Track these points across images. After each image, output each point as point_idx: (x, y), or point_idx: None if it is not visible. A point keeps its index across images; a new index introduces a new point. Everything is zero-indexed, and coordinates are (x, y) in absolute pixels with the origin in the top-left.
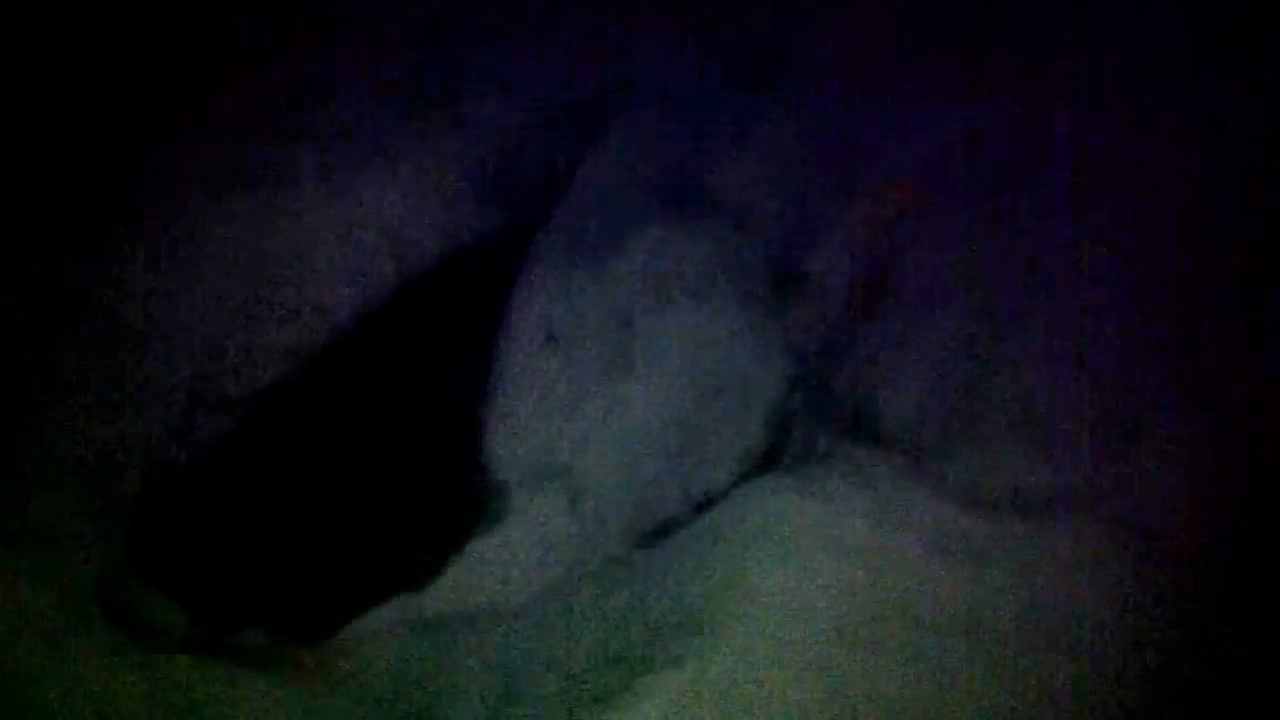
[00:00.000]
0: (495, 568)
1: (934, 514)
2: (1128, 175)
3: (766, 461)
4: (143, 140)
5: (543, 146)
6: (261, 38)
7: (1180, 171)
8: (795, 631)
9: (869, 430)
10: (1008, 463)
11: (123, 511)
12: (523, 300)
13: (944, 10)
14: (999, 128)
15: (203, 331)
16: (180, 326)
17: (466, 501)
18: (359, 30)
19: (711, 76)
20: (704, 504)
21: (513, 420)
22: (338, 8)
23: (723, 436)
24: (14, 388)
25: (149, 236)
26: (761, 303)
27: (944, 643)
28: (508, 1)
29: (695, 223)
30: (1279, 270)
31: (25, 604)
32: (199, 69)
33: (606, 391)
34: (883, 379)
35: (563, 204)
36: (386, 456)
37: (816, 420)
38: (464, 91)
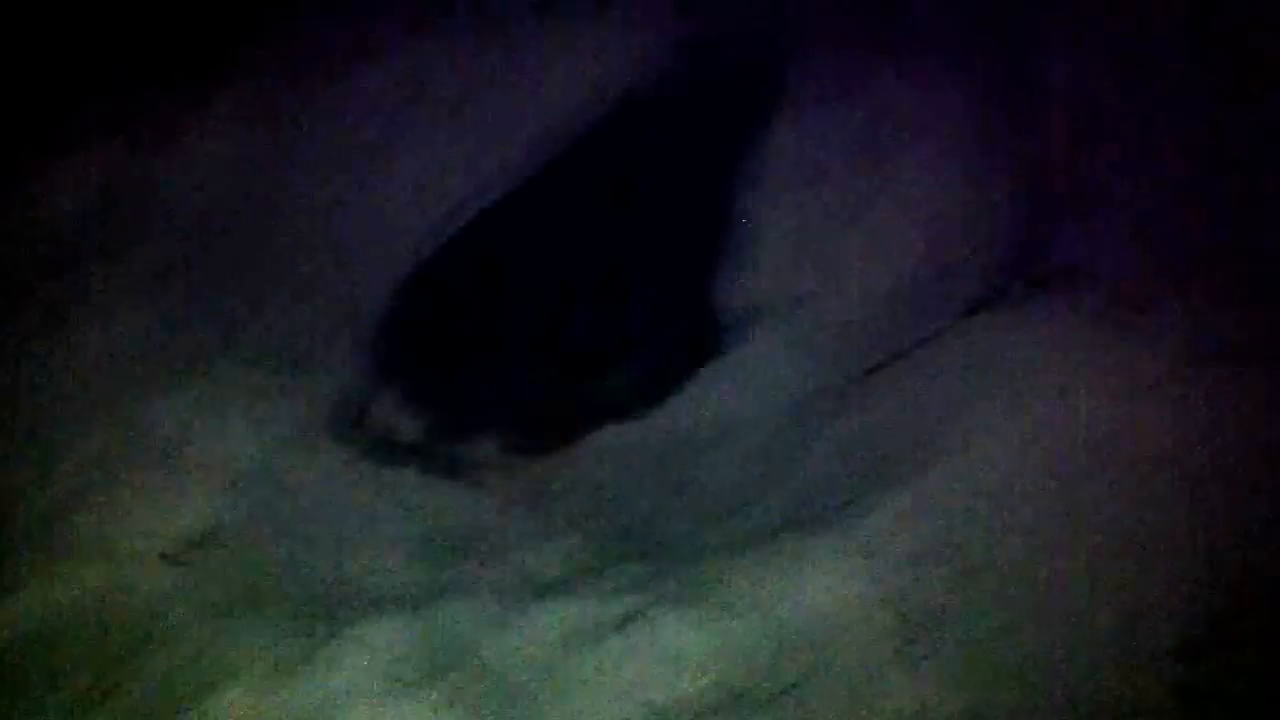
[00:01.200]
0: (725, 393)
1: (1140, 360)
2: None
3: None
4: None
5: None
6: None
7: None
8: (1011, 460)
9: (1078, 277)
10: (1213, 316)
11: (367, 334)
12: (772, 133)
13: None
14: None
15: (431, 154)
16: (412, 161)
17: (707, 327)
18: None
19: None
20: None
21: (761, 250)
22: None
23: (939, 289)
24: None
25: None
26: (984, 145)
27: (1145, 478)
28: None
29: (918, 67)
30: None
31: (269, 418)
32: None
33: (836, 233)
34: (1099, 225)
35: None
36: (629, 281)
37: (1027, 262)
38: None
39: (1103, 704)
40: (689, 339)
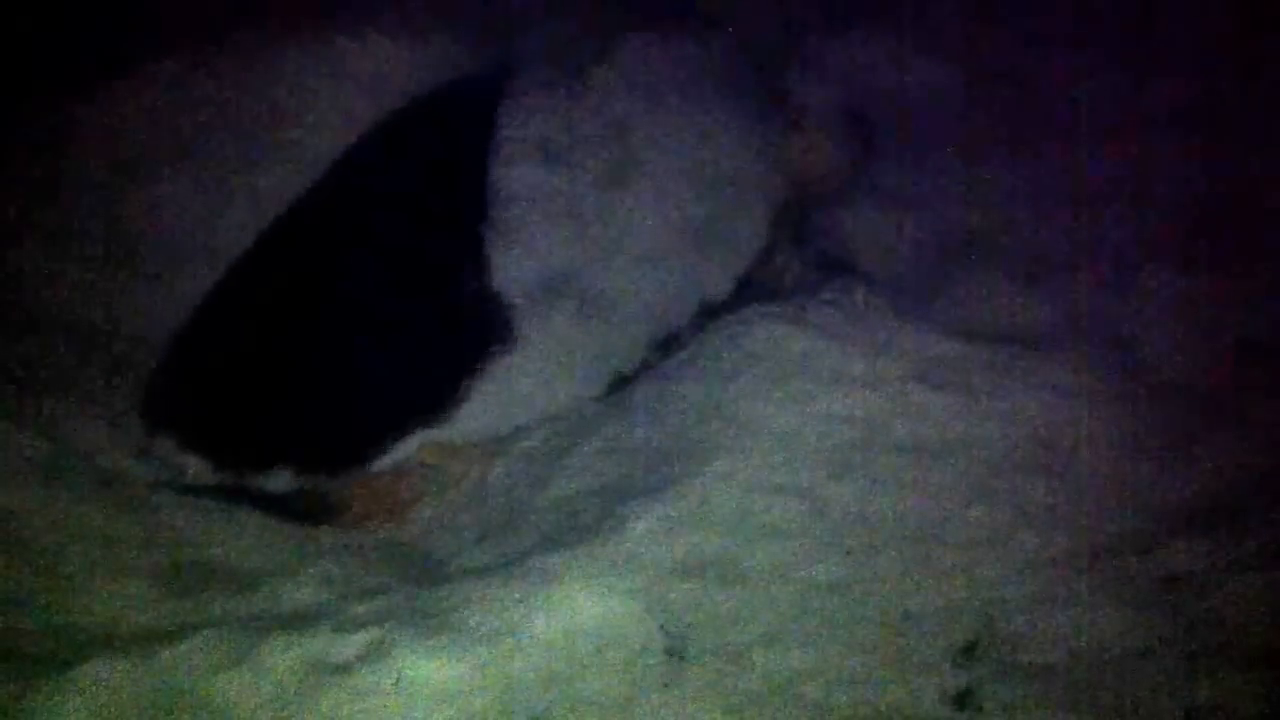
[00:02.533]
0: (518, 392)
1: (926, 346)
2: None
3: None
4: None
5: None
6: None
7: None
8: (781, 457)
9: (851, 265)
10: (1001, 299)
11: (132, 363)
12: (514, 119)
13: None
14: None
15: (201, 178)
16: (180, 172)
17: (480, 325)
18: None
19: None
20: (712, 310)
21: (517, 239)
22: None
23: (729, 235)
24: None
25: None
26: (755, 108)
27: (931, 468)
28: None
29: (680, 31)
30: None
31: (23, 451)
32: None
33: (610, 201)
34: (869, 215)
35: (545, 24)
36: (393, 287)
37: (805, 256)
38: None
39: (876, 712)
40: (477, 328)
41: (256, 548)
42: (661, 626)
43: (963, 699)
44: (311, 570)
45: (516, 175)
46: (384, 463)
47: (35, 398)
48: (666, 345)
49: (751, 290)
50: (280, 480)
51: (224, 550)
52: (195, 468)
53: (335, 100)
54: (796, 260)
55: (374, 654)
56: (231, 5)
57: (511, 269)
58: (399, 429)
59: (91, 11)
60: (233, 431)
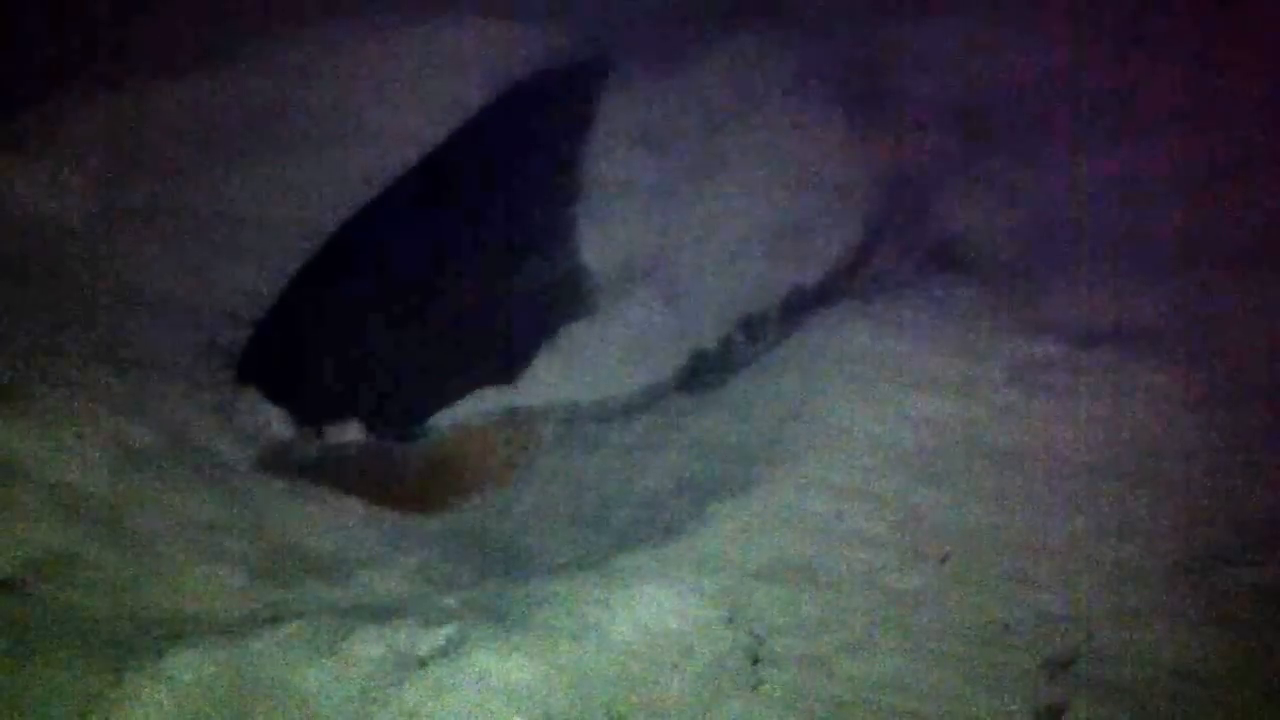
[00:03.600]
0: (587, 359)
1: (1017, 345)
2: None
3: (859, 265)
4: None
5: None
6: None
7: None
8: (867, 461)
9: (955, 261)
10: (1105, 297)
11: (230, 343)
12: (614, 105)
13: None
14: None
15: (297, 161)
16: (276, 155)
17: (562, 301)
18: None
19: None
20: (802, 305)
21: (606, 220)
22: None
23: (819, 232)
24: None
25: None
26: (850, 108)
27: (1027, 476)
28: None
29: (777, 32)
30: None
31: (132, 441)
32: None
33: (700, 190)
34: (973, 209)
35: (647, 16)
36: (482, 265)
37: (901, 247)
38: None
39: None
40: (560, 301)
41: (353, 535)
42: (744, 631)
43: (1054, 715)
44: (404, 560)
45: (610, 161)
46: (450, 416)
47: (140, 383)
48: (751, 335)
49: (848, 285)
50: (351, 431)
51: (321, 538)
52: (275, 420)
53: (437, 83)
54: (897, 255)
55: (456, 649)
56: None
57: (598, 250)
58: (466, 387)
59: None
60: (312, 389)
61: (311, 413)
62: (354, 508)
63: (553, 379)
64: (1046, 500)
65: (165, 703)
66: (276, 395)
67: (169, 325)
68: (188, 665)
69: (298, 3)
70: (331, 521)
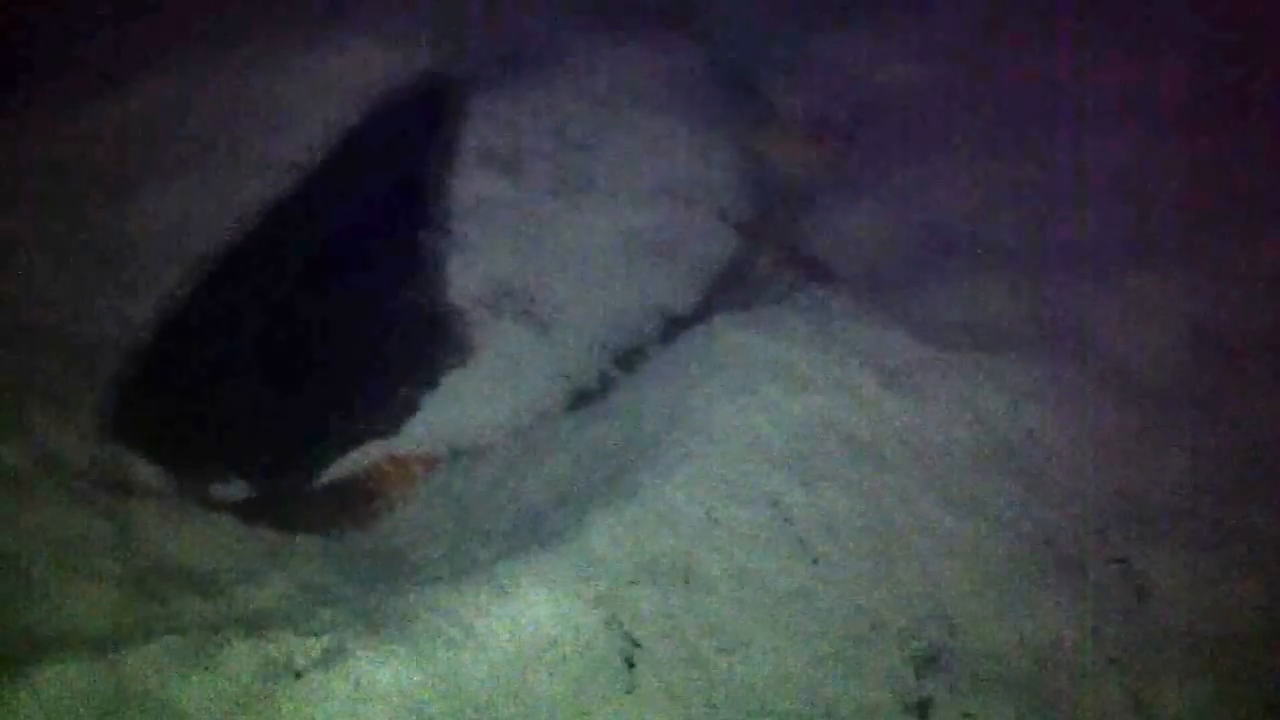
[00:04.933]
0: (469, 403)
1: (889, 348)
2: None
3: (736, 278)
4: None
5: None
6: None
7: None
8: (746, 464)
9: (831, 270)
10: (965, 298)
11: (99, 375)
12: (464, 127)
13: None
14: None
15: (178, 190)
16: (156, 187)
17: (432, 336)
18: None
19: None
20: (678, 321)
21: (469, 250)
22: None
23: (695, 248)
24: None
25: (128, 94)
26: (725, 119)
27: (897, 474)
28: None
29: (660, 43)
30: None
31: (2, 460)
32: None
33: (565, 211)
34: (849, 218)
35: (499, 29)
36: (347, 299)
37: (782, 261)
38: None
39: None
40: (429, 339)
41: (228, 552)
42: (621, 634)
43: (924, 709)
44: (280, 574)
45: (469, 186)
46: (336, 472)
47: (20, 408)
48: (629, 359)
49: (724, 298)
50: (235, 489)
51: (195, 554)
52: (147, 475)
53: (312, 108)
54: (772, 266)
55: (332, 658)
56: (212, 17)
57: (462, 280)
58: (351, 439)
59: (86, 29)
60: (187, 440)
61: (186, 465)
62: (230, 526)
63: (432, 423)
64: (913, 496)
65: (34, 716)
66: (145, 442)
67: (45, 355)
68: (56, 679)
69: (184, 33)
70: (206, 539)
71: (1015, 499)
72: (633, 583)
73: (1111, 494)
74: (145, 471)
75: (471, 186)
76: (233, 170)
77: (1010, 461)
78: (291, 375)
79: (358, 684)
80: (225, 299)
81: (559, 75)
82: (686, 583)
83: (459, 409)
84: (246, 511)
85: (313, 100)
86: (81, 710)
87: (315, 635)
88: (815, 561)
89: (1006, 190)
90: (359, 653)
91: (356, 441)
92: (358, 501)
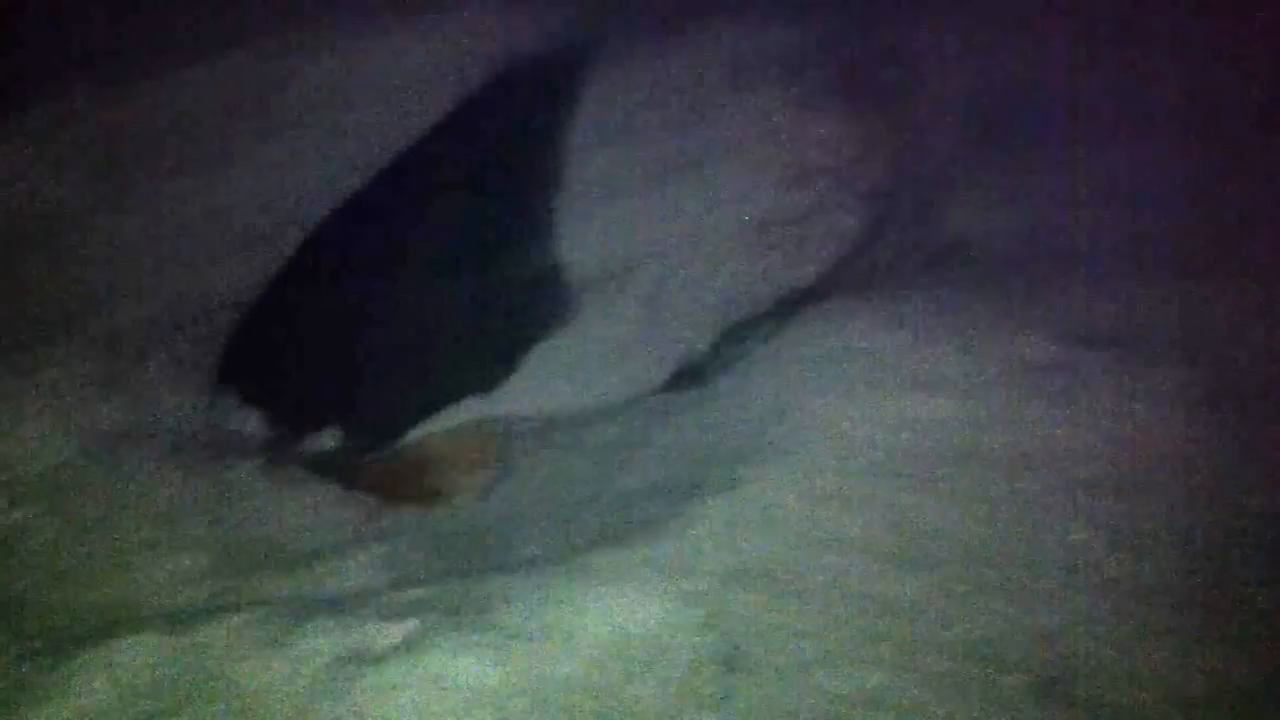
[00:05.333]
0: (565, 371)
1: (1017, 347)
2: None
3: (856, 262)
4: None
5: None
6: None
7: None
8: (856, 464)
9: (956, 260)
10: (1097, 299)
11: (211, 333)
12: (595, 97)
13: None
14: None
15: (288, 154)
16: (264, 151)
17: (540, 306)
18: None
19: None
20: (793, 305)
21: (583, 219)
22: None
23: (812, 227)
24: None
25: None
26: (849, 98)
27: (1023, 483)
28: None
29: (775, 20)
30: None
31: (100, 422)
32: None
33: (680, 187)
34: (976, 208)
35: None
36: (456, 266)
37: (901, 246)
38: None
39: None
40: (535, 304)
41: (321, 524)
42: (720, 637)
43: None
44: (370, 550)
45: (585, 158)
46: (427, 429)
47: (117, 366)
48: (740, 342)
49: (843, 283)
50: (327, 440)
51: (288, 524)
52: (251, 423)
53: (428, 75)
54: (897, 253)
55: (413, 647)
56: None
57: (575, 252)
58: (445, 399)
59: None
60: (290, 392)
61: (289, 418)
62: (324, 494)
63: (531, 390)
64: (1043, 509)
65: (104, 691)
66: (254, 396)
67: (155, 314)
68: (130, 653)
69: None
70: (298, 507)
71: (1154, 519)
72: (734, 584)
73: (1257, 520)
74: (249, 425)
75: (587, 159)
76: (341, 135)
77: (1148, 477)
78: (397, 337)
79: (436, 677)
80: (336, 261)
81: (677, 49)
82: (791, 587)
83: (561, 380)
84: (344, 477)
85: (429, 67)
86: (153, 688)
87: (398, 619)
88: (925, 572)
89: (1145, 187)
90: (440, 643)
91: (449, 402)
92: (452, 466)
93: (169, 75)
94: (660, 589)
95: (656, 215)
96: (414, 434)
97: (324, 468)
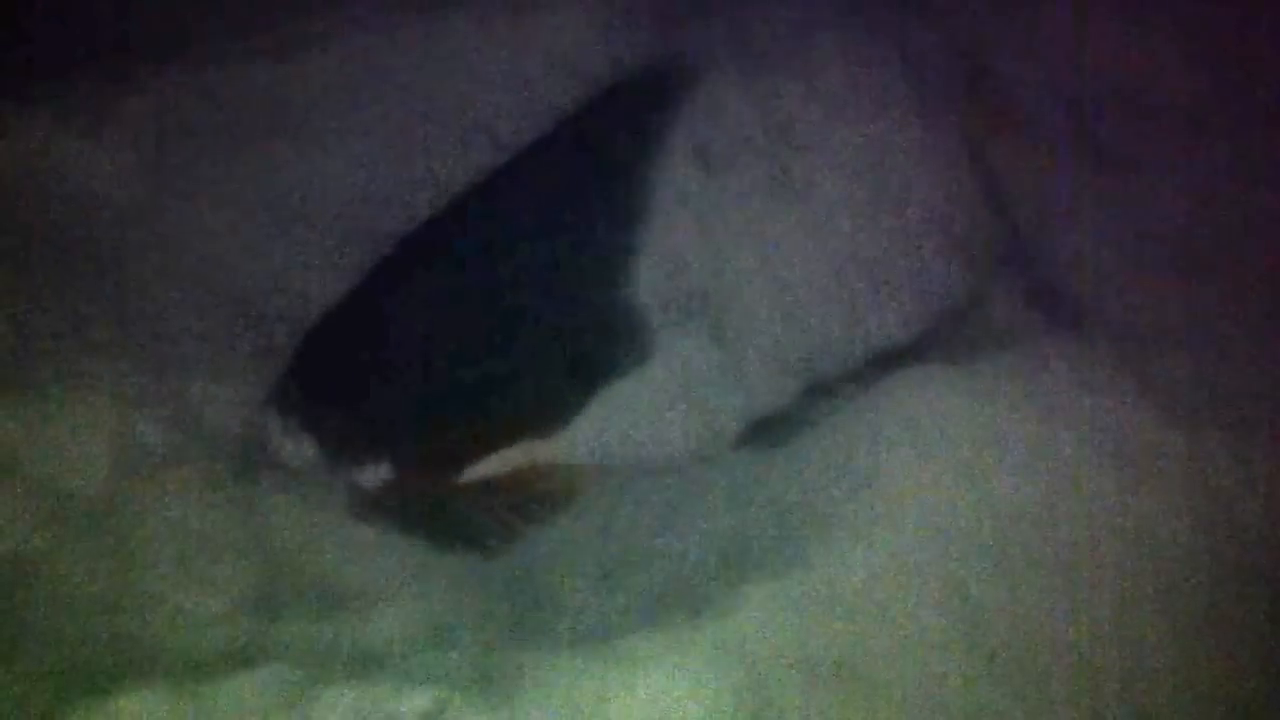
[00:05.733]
0: (635, 415)
1: (1118, 418)
2: None
3: (965, 313)
4: None
5: None
6: None
7: None
8: (935, 544)
9: (1059, 304)
10: (1219, 361)
11: (268, 347)
12: (674, 117)
13: None
14: None
15: (361, 161)
16: (338, 157)
17: (606, 338)
18: None
19: None
20: (886, 359)
21: (661, 249)
22: None
23: (917, 275)
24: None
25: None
26: (954, 114)
27: (1121, 580)
28: None
29: (883, 28)
30: None
31: (139, 438)
32: None
33: (773, 218)
34: (1083, 238)
35: (725, 15)
36: (524, 287)
37: (1013, 294)
38: None
39: None
40: (604, 341)
41: (362, 567)
42: None
43: None
44: (410, 598)
45: (672, 178)
46: (485, 469)
47: (162, 375)
48: (823, 394)
49: (944, 338)
50: (376, 474)
51: (325, 567)
52: (298, 450)
53: (513, 76)
54: (1006, 303)
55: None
56: None
57: (648, 279)
58: (507, 435)
59: None
60: (341, 418)
61: (339, 446)
62: (367, 534)
63: (592, 434)
64: (1144, 614)
65: None
66: (303, 420)
67: (209, 317)
68: (135, 705)
69: None
70: (339, 547)
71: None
72: (789, 672)
73: None
74: (296, 452)
75: (674, 179)
76: (424, 135)
77: (1264, 585)
78: (458, 365)
79: None
80: (406, 276)
81: (787, 63)
82: (850, 681)
83: (625, 424)
84: (391, 516)
85: (515, 67)
86: None
87: (423, 686)
88: (1002, 673)
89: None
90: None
91: (511, 440)
92: (506, 508)
93: (236, 63)
94: (703, 674)
95: (744, 249)
96: (469, 472)
97: (371, 504)
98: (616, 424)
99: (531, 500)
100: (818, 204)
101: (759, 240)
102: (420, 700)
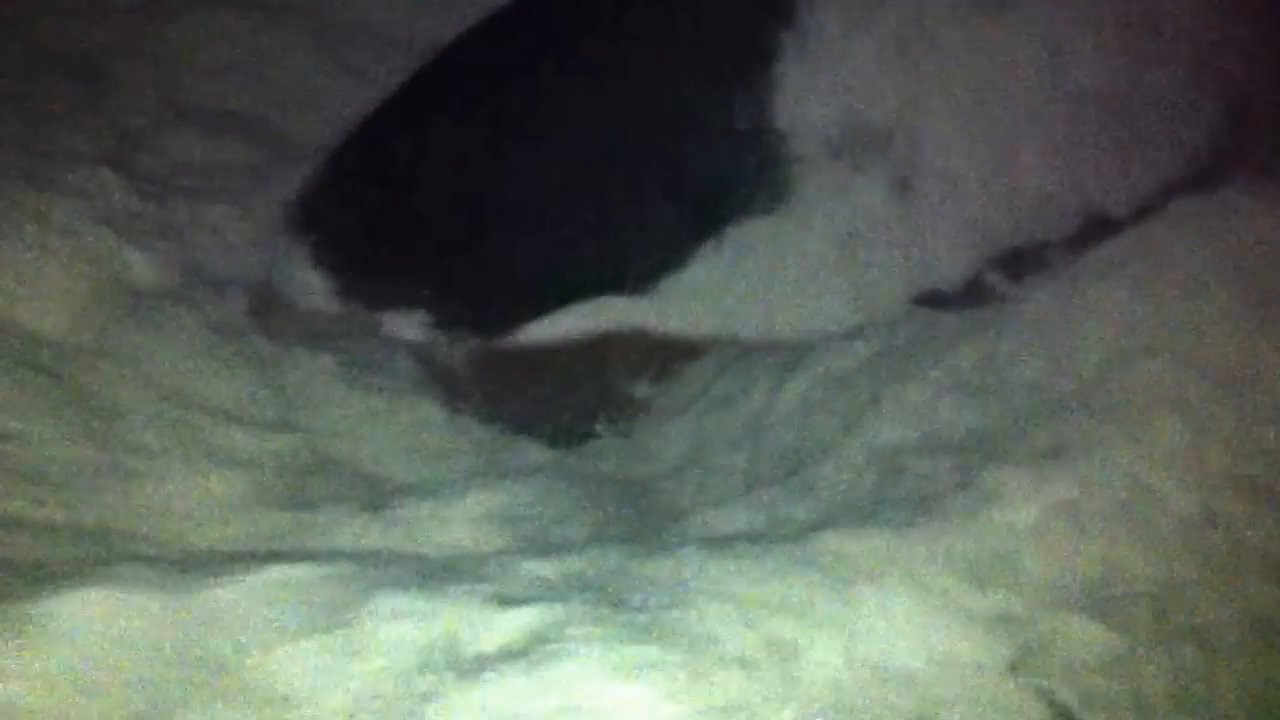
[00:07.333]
0: (756, 274)
1: None
2: None
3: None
4: None
5: None
6: None
7: None
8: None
9: None
10: None
11: (298, 174)
12: None
13: None
14: None
15: None
16: None
17: (739, 176)
18: None
19: None
20: (1122, 222)
21: (821, 65)
22: None
23: (1157, 120)
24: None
25: None
26: None
27: None
28: None
29: None
30: None
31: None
32: None
33: (967, 33)
34: None
35: None
36: (623, 110)
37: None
38: None
39: None
40: (718, 188)
41: (414, 447)
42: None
43: None
44: (480, 493)
45: None
46: (550, 326)
47: (166, 205)
48: (1018, 270)
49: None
50: (413, 325)
51: (365, 445)
52: (319, 290)
53: None
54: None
55: (534, 652)
56: None
57: (804, 104)
58: (578, 289)
59: None
60: (375, 259)
61: (368, 290)
62: (423, 411)
63: (695, 296)
64: None
65: (57, 652)
66: (326, 256)
67: (230, 141)
68: (106, 607)
69: None
70: (381, 422)
71: None
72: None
73: None
74: (315, 284)
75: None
76: None
77: None
78: (514, 202)
79: (569, 708)
80: (467, 94)
81: None
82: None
83: (743, 289)
84: (447, 384)
85: None
86: (124, 656)
87: (511, 606)
88: None
89: None
90: (581, 651)
91: (584, 293)
92: (586, 386)
93: None
94: (941, 601)
95: (929, 75)
96: (534, 331)
97: (440, 377)
98: (729, 286)
99: (621, 380)
100: (1042, 21)
101: (959, 63)
102: (511, 622)
